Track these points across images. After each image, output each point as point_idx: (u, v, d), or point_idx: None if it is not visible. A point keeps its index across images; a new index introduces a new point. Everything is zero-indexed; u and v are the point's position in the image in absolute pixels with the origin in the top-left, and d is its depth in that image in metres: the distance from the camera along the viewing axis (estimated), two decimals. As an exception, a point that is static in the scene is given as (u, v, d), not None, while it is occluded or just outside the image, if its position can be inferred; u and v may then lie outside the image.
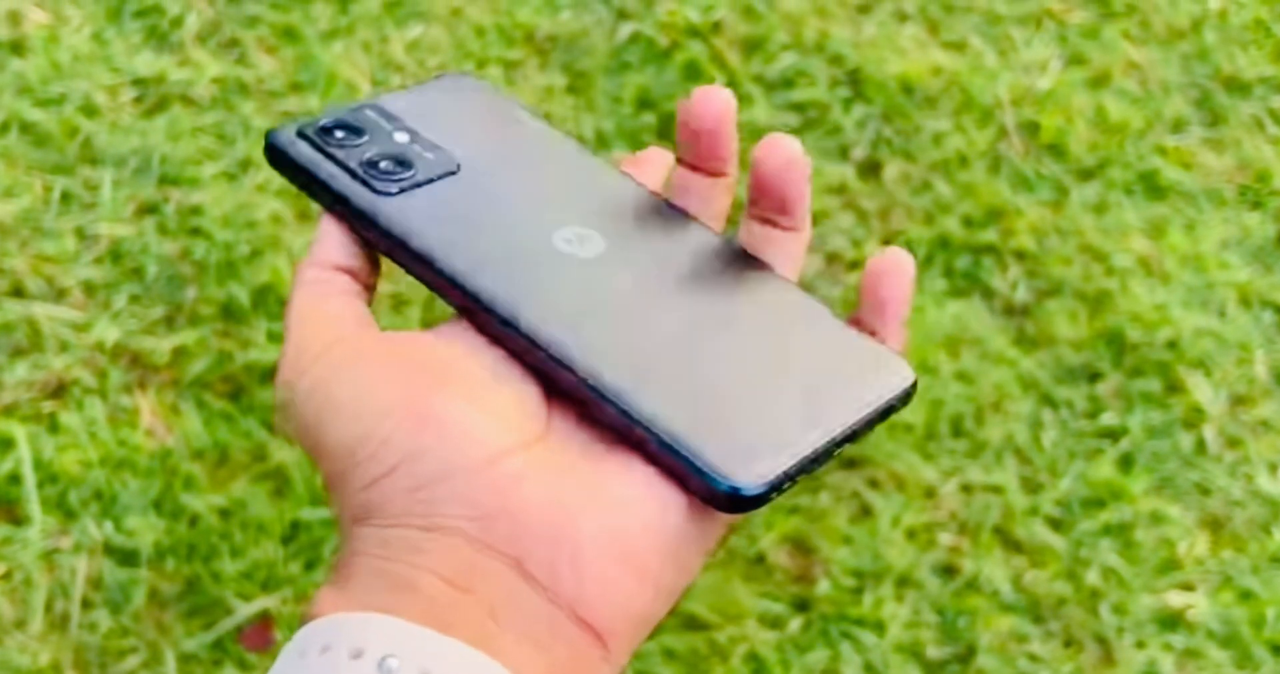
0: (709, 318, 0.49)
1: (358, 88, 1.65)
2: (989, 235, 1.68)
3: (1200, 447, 1.57)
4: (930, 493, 1.49)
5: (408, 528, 0.41)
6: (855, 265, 1.62)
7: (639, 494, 0.42)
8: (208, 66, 1.64)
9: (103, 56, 1.62)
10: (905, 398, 0.48)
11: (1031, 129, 1.80)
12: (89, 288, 1.47)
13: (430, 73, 1.68)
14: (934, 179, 1.72)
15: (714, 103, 0.49)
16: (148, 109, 1.60)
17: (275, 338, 1.46)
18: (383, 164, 0.51)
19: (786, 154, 0.48)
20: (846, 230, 1.65)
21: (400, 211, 0.50)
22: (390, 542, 0.41)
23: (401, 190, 0.50)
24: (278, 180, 1.56)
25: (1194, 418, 1.59)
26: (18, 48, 1.61)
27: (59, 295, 1.46)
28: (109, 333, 1.44)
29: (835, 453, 0.46)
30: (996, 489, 1.50)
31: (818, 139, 1.74)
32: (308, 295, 0.47)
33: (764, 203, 0.49)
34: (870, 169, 1.72)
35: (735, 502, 0.43)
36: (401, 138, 0.52)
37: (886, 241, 1.65)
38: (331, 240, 0.49)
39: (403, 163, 0.51)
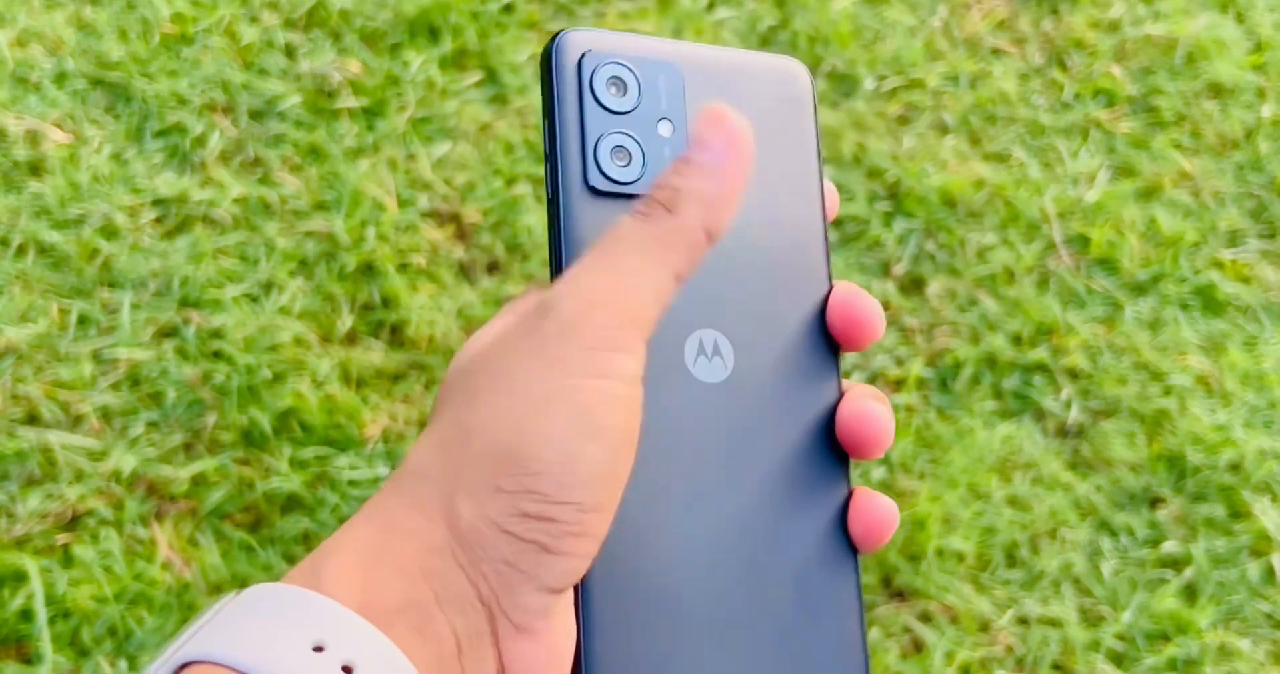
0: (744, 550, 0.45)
1: (384, 206, 1.61)
2: (1039, 353, 1.62)
3: (1269, 576, 1.50)
4: (985, 626, 1.42)
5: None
6: (900, 384, 1.56)
7: None
8: (230, 186, 1.60)
9: (123, 177, 1.60)
10: None
11: (1081, 242, 1.74)
12: (106, 414, 1.43)
13: (458, 190, 1.65)
14: (980, 295, 1.66)
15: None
16: (168, 230, 1.57)
17: (297, 465, 1.42)
18: (613, 149, 0.44)
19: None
20: (890, 349, 1.60)
21: (578, 205, 0.44)
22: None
23: (596, 190, 0.44)
24: (300, 302, 1.52)
25: (1261, 545, 1.52)
26: (36, 169, 1.59)
27: (75, 423, 1.42)
28: (125, 461, 1.40)
29: None
30: (1055, 622, 1.43)
31: (858, 255, 1.69)
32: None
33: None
34: (913, 285, 1.67)
35: None
36: (664, 130, 0.45)
37: (931, 361, 1.60)
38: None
39: (632, 157, 0.44)
